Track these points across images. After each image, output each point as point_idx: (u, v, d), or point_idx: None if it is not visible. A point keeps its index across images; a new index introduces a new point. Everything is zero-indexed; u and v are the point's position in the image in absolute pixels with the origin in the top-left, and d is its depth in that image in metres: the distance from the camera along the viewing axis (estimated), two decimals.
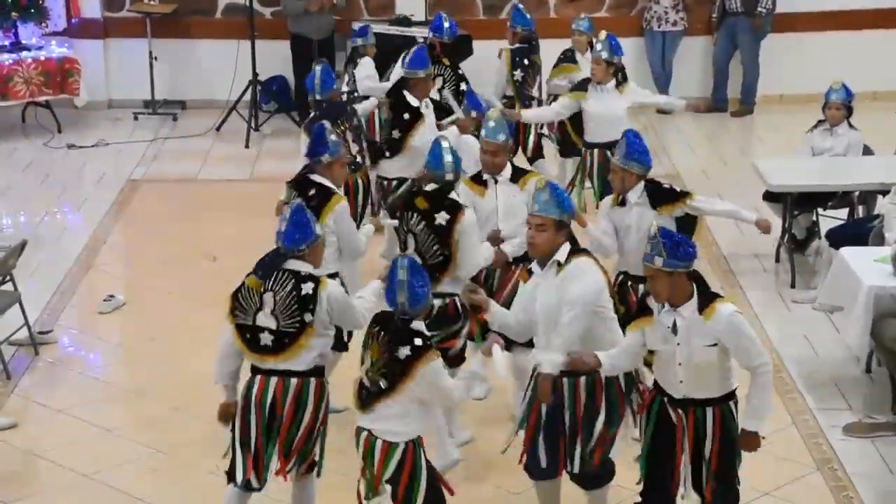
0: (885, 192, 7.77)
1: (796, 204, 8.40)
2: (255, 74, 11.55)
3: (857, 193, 8.50)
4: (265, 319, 5.21)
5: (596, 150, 8.41)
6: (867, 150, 8.63)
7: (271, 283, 5.19)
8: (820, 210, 8.65)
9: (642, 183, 6.17)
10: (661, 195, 6.19)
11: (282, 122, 11.72)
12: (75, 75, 11.42)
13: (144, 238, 9.36)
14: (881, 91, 10.86)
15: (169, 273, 8.50)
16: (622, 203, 6.22)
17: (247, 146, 11.19)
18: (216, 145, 11.25)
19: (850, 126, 8.50)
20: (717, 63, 12.09)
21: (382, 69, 9.82)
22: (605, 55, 8.44)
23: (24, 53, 11.28)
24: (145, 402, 6.99)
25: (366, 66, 9.24)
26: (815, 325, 7.70)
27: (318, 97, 7.53)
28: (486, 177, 6.42)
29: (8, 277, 7.35)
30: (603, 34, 8.58)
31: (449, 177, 6.09)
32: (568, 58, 9.59)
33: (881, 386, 6.86)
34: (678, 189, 6.34)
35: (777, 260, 8.62)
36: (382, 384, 4.93)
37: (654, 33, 11.99)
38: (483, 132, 6.42)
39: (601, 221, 6.29)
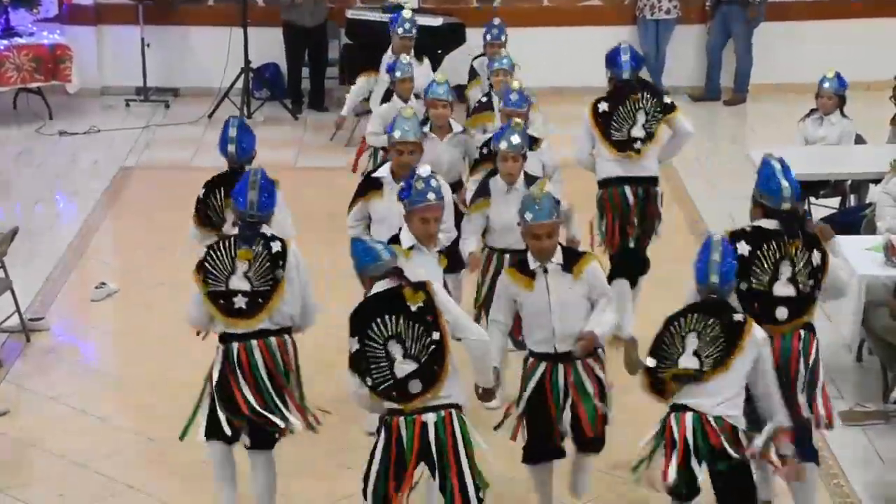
0: (877, 181, 7.78)
1: None
2: (247, 62, 11.53)
3: (849, 182, 8.51)
4: (238, 282, 5.34)
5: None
6: (860, 140, 8.64)
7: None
8: (812, 199, 8.65)
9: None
10: None
11: (274, 110, 11.70)
12: (67, 62, 11.39)
13: (136, 225, 9.34)
14: (874, 80, 10.85)
15: (161, 260, 8.49)
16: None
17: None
18: (208, 133, 11.23)
19: (843, 115, 8.50)
20: (710, 51, 12.09)
21: (375, 59, 9.83)
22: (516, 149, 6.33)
23: (16, 39, 11.26)
24: (137, 390, 6.99)
25: (372, 122, 7.92)
26: None
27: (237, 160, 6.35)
28: (533, 265, 5.39)
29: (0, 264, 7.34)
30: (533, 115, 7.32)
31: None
32: (484, 105, 7.64)
33: (872, 374, 6.88)
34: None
35: None
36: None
37: (647, 22, 11.98)
38: (527, 214, 5.33)
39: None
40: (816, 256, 5.37)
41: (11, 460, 6.38)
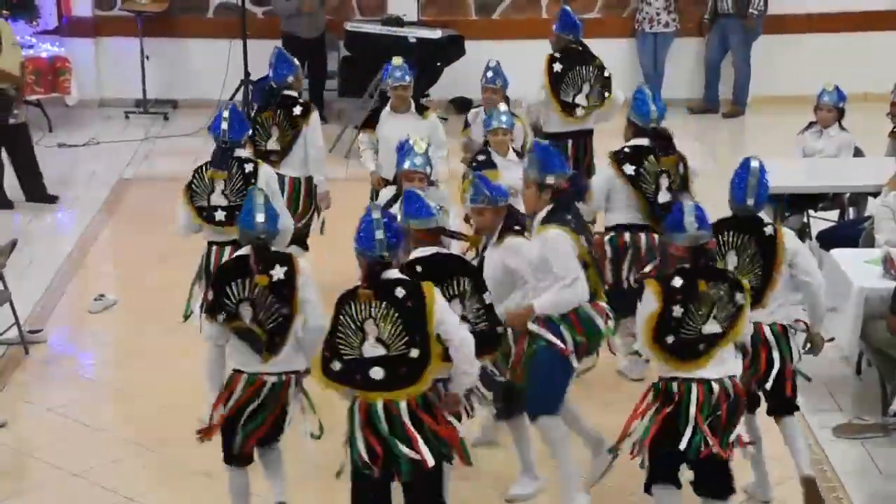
0: (875, 194, 7.79)
1: (787, 205, 8.41)
2: (246, 74, 11.55)
3: (847, 195, 8.52)
4: (218, 199, 6.45)
5: None
6: (858, 152, 8.65)
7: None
8: (811, 211, 8.66)
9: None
10: None
11: None
12: (66, 74, 11.41)
13: (135, 237, 9.34)
14: (872, 93, 10.88)
15: (160, 272, 8.49)
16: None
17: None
18: (207, 144, 11.21)
19: (842, 128, 8.52)
20: (708, 64, 12.11)
21: (372, 72, 9.88)
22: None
23: None
24: (135, 401, 6.98)
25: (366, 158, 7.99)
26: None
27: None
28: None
29: None
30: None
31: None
32: (483, 162, 7.02)
33: (871, 387, 6.88)
34: None
35: None
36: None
37: (645, 34, 12.01)
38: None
39: None
40: (681, 168, 6.75)
41: (10, 471, 6.38)
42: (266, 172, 6.58)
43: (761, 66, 12.00)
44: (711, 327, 5.05)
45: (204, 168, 6.52)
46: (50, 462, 6.35)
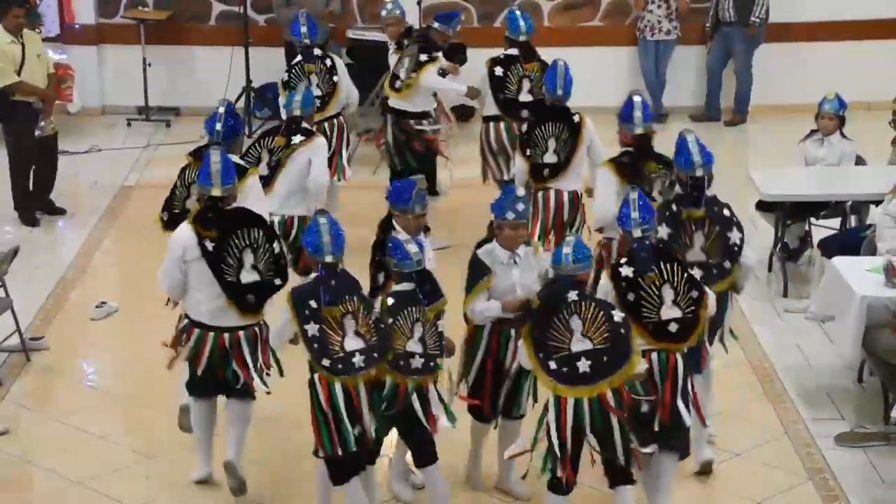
0: (877, 202, 7.78)
1: (789, 213, 8.41)
2: (248, 81, 11.55)
3: (849, 203, 8.52)
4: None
5: None
6: (860, 161, 8.65)
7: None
8: (812, 219, 8.66)
9: None
10: None
11: None
12: (69, 81, 11.36)
13: (137, 244, 9.32)
14: (874, 101, 10.87)
15: None
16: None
17: (240, 153, 11.16)
18: None
19: (843, 136, 8.52)
20: (710, 72, 12.11)
21: (375, 79, 9.89)
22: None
23: None
24: (137, 409, 6.98)
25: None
26: (807, 335, 7.71)
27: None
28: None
29: (0, 283, 7.34)
30: None
31: None
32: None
33: (873, 396, 6.87)
34: None
35: (770, 269, 8.63)
36: None
37: (647, 42, 12.01)
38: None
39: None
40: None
41: (11, 480, 6.37)
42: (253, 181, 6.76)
43: (763, 75, 11.99)
44: None
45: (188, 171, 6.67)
46: (52, 470, 6.35)
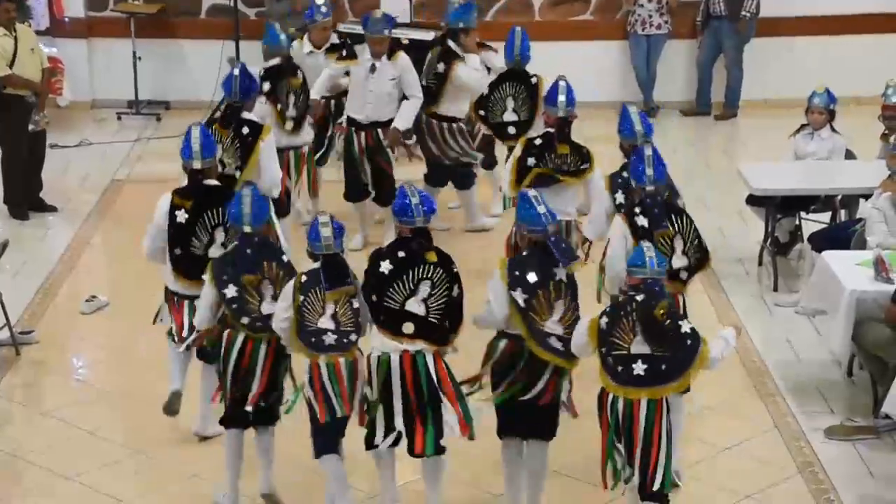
0: (867, 196, 7.80)
1: (779, 208, 8.42)
2: None
3: (839, 197, 8.53)
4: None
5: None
6: (850, 155, 8.67)
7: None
8: (803, 214, 8.67)
9: None
10: None
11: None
12: (58, 75, 11.37)
13: (128, 239, 9.29)
14: (864, 96, 10.89)
15: (152, 274, 8.44)
16: None
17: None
18: None
19: (833, 130, 8.53)
20: (701, 67, 12.11)
21: None
22: None
23: None
24: (127, 404, 6.97)
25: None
26: (797, 329, 7.72)
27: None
28: None
29: None
30: None
31: None
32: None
33: (862, 389, 6.89)
34: None
35: (760, 264, 8.64)
36: None
37: (638, 37, 12.01)
38: None
39: None
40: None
41: (1, 474, 6.36)
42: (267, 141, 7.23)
43: (753, 69, 12.00)
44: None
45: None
46: (41, 465, 6.34)
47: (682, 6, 12.05)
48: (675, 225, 5.96)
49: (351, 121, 8.62)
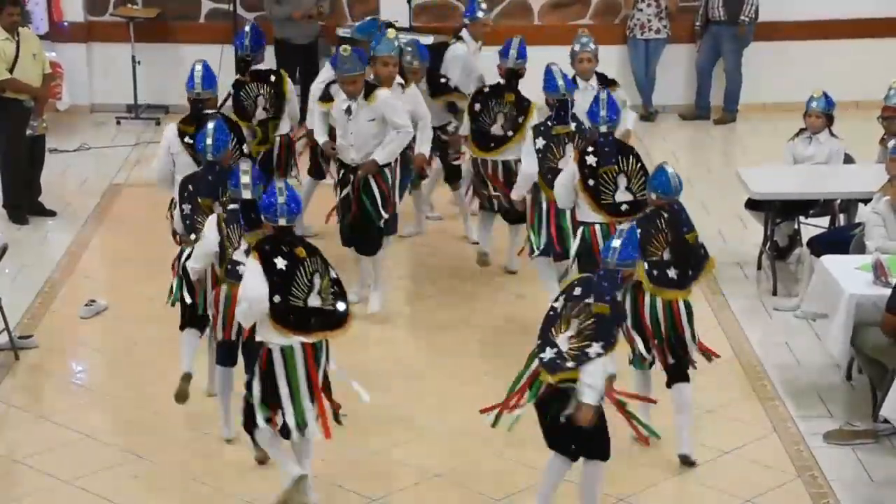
0: (866, 201, 7.80)
1: (778, 212, 8.43)
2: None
3: (838, 202, 8.53)
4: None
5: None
6: (849, 159, 8.67)
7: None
8: (802, 218, 8.68)
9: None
10: None
11: None
12: (58, 79, 11.37)
13: (126, 243, 9.33)
14: (863, 100, 10.90)
15: (151, 278, 8.46)
16: None
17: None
18: None
19: (832, 135, 8.54)
20: (700, 71, 12.13)
21: None
22: None
23: None
24: (126, 408, 6.97)
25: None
26: (796, 333, 7.72)
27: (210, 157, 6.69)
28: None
29: None
30: None
31: None
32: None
33: (862, 393, 6.89)
34: None
35: (759, 268, 8.64)
36: None
37: (637, 41, 12.02)
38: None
39: None
40: None
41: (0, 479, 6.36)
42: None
43: (752, 73, 12.02)
44: None
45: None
46: (40, 469, 6.33)
47: (681, 11, 12.07)
48: (621, 164, 6.78)
49: (341, 164, 7.92)
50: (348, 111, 7.72)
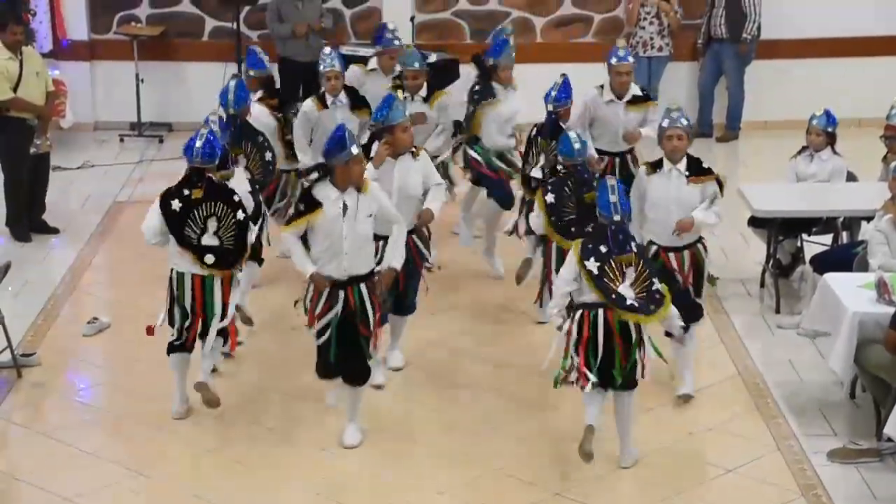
0: (869, 218, 7.80)
1: (781, 229, 8.42)
2: None
3: (841, 219, 8.53)
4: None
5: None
6: (851, 177, 8.67)
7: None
8: (804, 235, 8.67)
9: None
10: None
11: None
12: (61, 97, 11.40)
13: (129, 260, 9.32)
14: (865, 118, 10.91)
15: (153, 295, 8.45)
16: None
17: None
18: None
19: (834, 152, 8.54)
20: (702, 89, 12.14)
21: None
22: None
23: None
24: (128, 425, 6.96)
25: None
26: (799, 351, 7.71)
27: (231, 111, 8.04)
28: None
29: None
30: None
31: None
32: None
33: (865, 411, 6.87)
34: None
35: (762, 285, 8.64)
36: None
37: (639, 59, 12.01)
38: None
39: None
40: None
41: (1, 496, 6.34)
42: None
43: (755, 91, 12.03)
44: None
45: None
46: (42, 487, 6.32)
47: (683, 29, 12.09)
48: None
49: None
50: (344, 209, 6.34)
